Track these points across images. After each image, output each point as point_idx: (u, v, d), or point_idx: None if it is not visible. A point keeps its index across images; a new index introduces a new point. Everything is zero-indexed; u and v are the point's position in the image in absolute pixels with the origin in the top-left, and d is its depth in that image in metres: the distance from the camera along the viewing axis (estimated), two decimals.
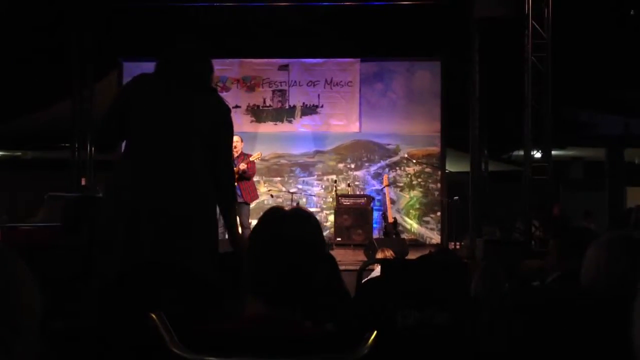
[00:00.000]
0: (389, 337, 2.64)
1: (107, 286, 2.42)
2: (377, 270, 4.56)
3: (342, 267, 4.36)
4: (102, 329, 2.12)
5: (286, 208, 1.71)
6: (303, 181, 10.70)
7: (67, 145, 10.52)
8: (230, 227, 2.82)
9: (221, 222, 2.90)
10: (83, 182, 10.07)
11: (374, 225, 9.73)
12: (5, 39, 9.50)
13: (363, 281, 3.57)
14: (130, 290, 2.34)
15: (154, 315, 1.39)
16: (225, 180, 2.79)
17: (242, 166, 7.94)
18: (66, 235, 2.69)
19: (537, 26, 8.36)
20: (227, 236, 2.95)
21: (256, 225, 1.63)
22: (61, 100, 10.74)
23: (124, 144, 2.74)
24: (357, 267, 4.12)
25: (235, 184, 7.98)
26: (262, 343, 1.48)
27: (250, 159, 8.11)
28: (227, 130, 2.77)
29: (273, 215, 1.65)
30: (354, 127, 10.71)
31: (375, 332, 1.47)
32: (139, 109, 2.63)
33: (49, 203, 6.99)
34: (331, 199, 10.24)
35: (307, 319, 1.79)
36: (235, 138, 8.33)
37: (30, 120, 11.71)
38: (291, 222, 1.61)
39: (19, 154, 14.27)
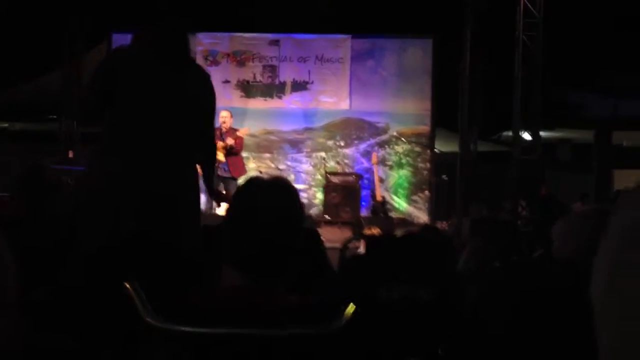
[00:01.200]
0: (371, 311, 2.64)
1: (92, 258, 2.41)
2: (362, 249, 4.57)
3: (329, 245, 4.36)
4: (80, 299, 2.10)
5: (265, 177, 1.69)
6: (292, 158, 10.66)
7: (54, 117, 10.42)
8: (209, 181, 3.01)
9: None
10: (70, 155, 10.00)
11: (362, 204, 9.73)
12: None
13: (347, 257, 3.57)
14: (114, 262, 2.33)
15: (128, 285, 1.38)
16: (209, 141, 2.92)
17: (230, 141, 7.90)
18: (22, 207, 2.66)
19: (528, 5, 8.31)
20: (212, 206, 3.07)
21: (234, 194, 1.61)
22: (50, 72, 10.62)
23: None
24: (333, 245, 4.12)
25: (224, 158, 7.98)
26: (238, 314, 1.47)
27: (238, 133, 8.07)
28: (211, 97, 2.83)
29: (251, 185, 1.63)
30: (344, 105, 10.65)
31: (353, 305, 1.46)
32: (127, 85, 2.62)
33: None
34: (320, 176, 10.23)
35: (289, 292, 1.78)
36: (225, 113, 8.30)
37: (18, 92, 11.58)
38: (269, 192, 1.59)
39: (6, 125, 14.13)
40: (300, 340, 1.44)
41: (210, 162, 3.02)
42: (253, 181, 1.69)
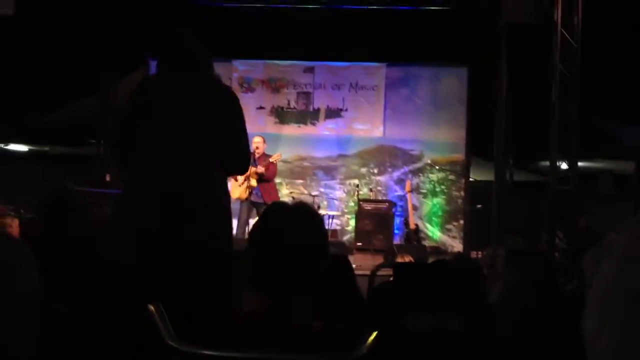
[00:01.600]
0: (399, 340, 2.59)
1: (121, 275, 2.43)
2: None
3: (360, 272, 4.32)
4: (106, 318, 2.11)
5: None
6: (325, 184, 10.66)
7: (93, 141, 10.62)
8: None
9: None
10: (107, 178, 10.16)
11: (396, 232, 9.66)
12: (33, 34, 9.63)
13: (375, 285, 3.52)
14: (142, 279, 2.33)
15: (152, 307, 1.37)
16: (238, 155, 2.83)
17: (260, 169, 7.95)
18: (43, 226, 2.70)
19: (565, 34, 8.23)
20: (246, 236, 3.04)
21: (258, 219, 1.61)
22: (90, 96, 10.87)
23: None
24: (364, 272, 4.08)
25: (256, 184, 8.02)
26: (259, 337, 1.45)
27: (270, 159, 8.11)
28: (237, 113, 2.78)
29: (275, 209, 1.63)
30: (378, 132, 10.65)
31: (376, 332, 1.43)
32: (150, 109, 2.65)
33: None
34: (353, 203, 10.19)
35: (318, 319, 1.75)
36: (258, 139, 8.36)
37: (59, 116, 11.86)
38: (292, 216, 1.59)
39: (47, 149, 14.45)
40: None
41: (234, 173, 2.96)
42: (276, 205, 1.68)
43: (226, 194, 2.72)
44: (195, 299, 2.05)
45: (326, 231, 1.71)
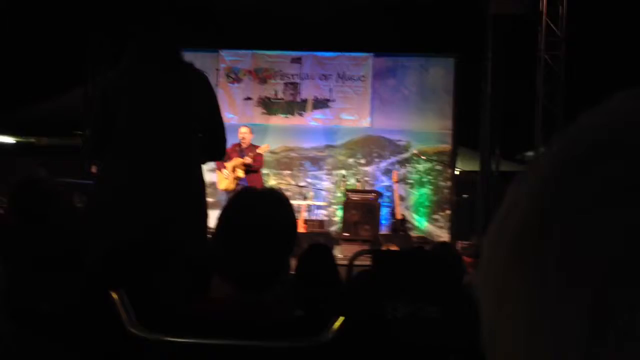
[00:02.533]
0: (377, 327, 2.61)
1: (96, 265, 2.43)
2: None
3: (346, 262, 4.33)
4: (82, 311, 2.11)
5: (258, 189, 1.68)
6: (312, 175, 10.66)
7: (79, 132, 10.57)
8: None
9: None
10: (93, 170, 10.11)
11: (383, 222, 9.68)
12: (21, 25, 9.56)
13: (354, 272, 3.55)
14: (117, 269, 2.34)
15: (114, 294, 1.37)
16: (217, 141, 2.84)
17: (247, 160, 7.94)
18: (19, 217, 2.68)
19: (551, 24, 8.25)
20: None
21: (226, 205, 1.60)
22: (77, 87, 10.81)
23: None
24: (361, 262, 4.07)
25: (243, 175, 8.02)
26: (227, 326, 1.46)
27: (257, 150, 8.10)
28: (207, 94, 2.78)
29: (244, 196, 1.63)
30: (365, 122, 10.65)
31: (342, 319, 1.44)
32: (124, 102, 2.65)
33: None
34: (340, 194, 10.20)
35: (298, 307, 1.76)
36: (245, 129, 8.36)
37: (46, 107, 11.79)
38: (262, 204, 1.58)
39: (33, 140, 14.38)
40: (287, 353, 1.42)
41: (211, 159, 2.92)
42: (246, 192, 1.68)
43: (203, 181, 2.72)
44: (164, 286, 2.06)
45: (295, 219, 1.71)
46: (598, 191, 0.31)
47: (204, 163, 2.79)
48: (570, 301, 0.30)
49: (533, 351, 0.32)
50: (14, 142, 13.77)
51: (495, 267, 0.36)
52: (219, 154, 2.96)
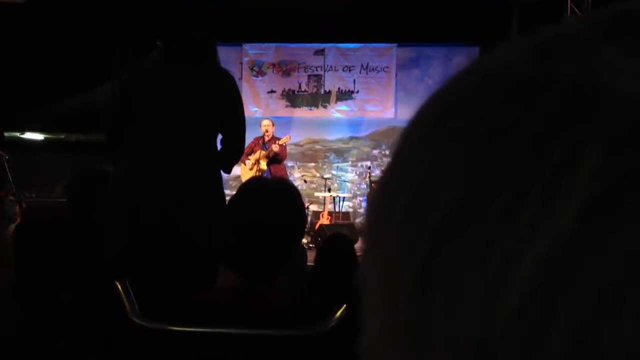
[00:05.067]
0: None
1: (113, 260, 2.47)
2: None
3: None
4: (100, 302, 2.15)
5: (268, 180, 1.69)
6: (337, 167, 10.66)
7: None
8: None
9: None
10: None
11: None
12: (50, 22, 9.70)
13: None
14: (132, 263, 2.37)
15: (118, 284, 1.40)
16: (236, 141, 2.85)
17: (275, 147, 7.96)
18: (71, 210, 2.73)
19: (576, 10, 8.12)
20: None
21: (234, 195, 1.61)
22: (105, 84, 10.95)
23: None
24: None
25: (266, 166, 8.05)
26: (232, 315, 1.48)
27: (279, 142, 8.12)
28: (229, 94, 2.79)
29: (252, 186, 1.64)
30: (390, 114, 10.61)
31: (345, 306, 1.45)
32: (145, 95, 2.68)
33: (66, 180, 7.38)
34: (365, 185, 10.19)
35: (313, 298, 1.77)
36: (267, 122, 8.38)
37: (74, 104, 11.96)
38: (269, 194, 1.59)
39: (63, 136, 14.60)
40: (290, 342, 1.44)
41: (227, 161, 2.88)
42: (254, 182, 1.69)
43: (219, 174, 2.75)
44: (174, 276, 2.08)
45: (304, 210, 1.72)
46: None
47: (223, 163, 2.79)
48: None
49: None
50: (43, 138, 14.00)
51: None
52: (238, 149, 2.97)
